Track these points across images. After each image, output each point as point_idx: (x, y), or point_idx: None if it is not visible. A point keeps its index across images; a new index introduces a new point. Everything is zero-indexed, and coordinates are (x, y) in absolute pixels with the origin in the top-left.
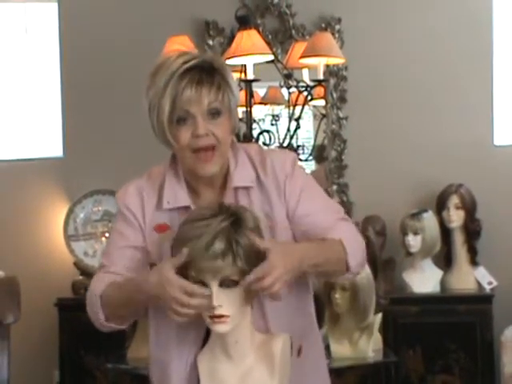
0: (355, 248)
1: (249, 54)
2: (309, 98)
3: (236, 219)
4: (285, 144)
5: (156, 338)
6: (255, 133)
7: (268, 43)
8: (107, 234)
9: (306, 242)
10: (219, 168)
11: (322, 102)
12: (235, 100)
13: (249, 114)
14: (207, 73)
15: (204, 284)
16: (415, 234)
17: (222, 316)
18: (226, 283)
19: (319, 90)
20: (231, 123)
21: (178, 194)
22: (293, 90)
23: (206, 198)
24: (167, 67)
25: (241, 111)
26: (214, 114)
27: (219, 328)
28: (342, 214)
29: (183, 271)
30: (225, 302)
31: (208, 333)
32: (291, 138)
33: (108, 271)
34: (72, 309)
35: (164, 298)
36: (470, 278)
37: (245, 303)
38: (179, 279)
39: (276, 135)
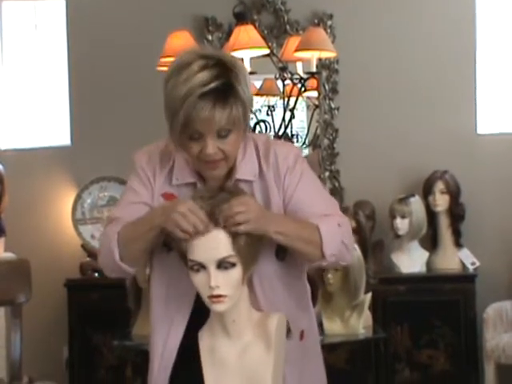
0: (331, 238)
1: (246, 48)
2: (302, 89)
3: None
4: (280, 133)
5: (150, 318)
6: (252, 123)
7: (264, 38)
8: None
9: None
10: (225, 172)
11: (314, 94)
12: (248, 110)
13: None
14: (223, 94)
15: (203, 266)
16: (403, 217)
17: (219, 296)
18: (223, 265)
19: (312, 82)
20: (241, 134)
21: (186, 173)
22: (287, 82)
23: (210, 184)
24: (188, 77)
25: None
26: (224, 133)
27: (217, 307)
28: (334, 209)
29: (183, 256)
30: (222, 282)
31: (193, 317)
32: (286, 127)
33: (122, 223)
34: (80, 289)
35: (167, 218)
36: (455, 258)
37: (242, 283)
38: (191, 202)
39: (272, 125)
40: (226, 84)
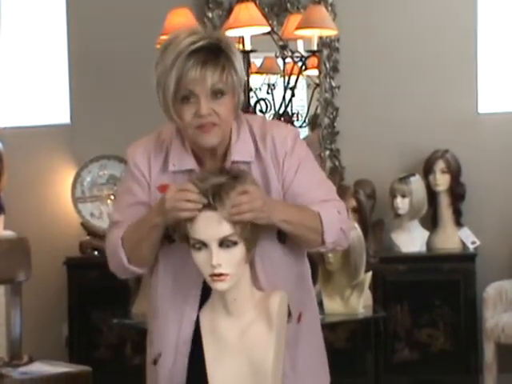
0: (332, 225)
1: (246, 25)
2: (303, 67)
3: (236, 179)
4: (280, 112)
5: (153, 310)
6: (252, 101)
7: (264, 16)
8: (112, 197)
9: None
10: (219, 140)
11: (315, 72)
12: (239, 79)
13: (246, 83)
14: (213, 53)
15: (204, 244)
16: (403, 196)
17: (221, 274)
18: (225, 243)
19: (313, 61)
20: (234, 102)
21: (183, 158)
22: (288, 60)
23: (208, 167)
24: (175, 46)
25: None
26: (218, 94)
27: (219, 286)
28: (332, 194)
29: (186, 239)
30: (224, 261)
31: (202, 301)
32: (286, 106)
33: (123, 226)
34: (80, 267)
35: (164, 212)
36: (455, 238)
37: (243, 262)
38: (178, 184)
39: (272, 103)
40: (215, 45)
